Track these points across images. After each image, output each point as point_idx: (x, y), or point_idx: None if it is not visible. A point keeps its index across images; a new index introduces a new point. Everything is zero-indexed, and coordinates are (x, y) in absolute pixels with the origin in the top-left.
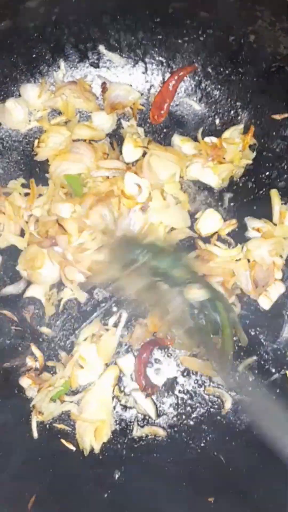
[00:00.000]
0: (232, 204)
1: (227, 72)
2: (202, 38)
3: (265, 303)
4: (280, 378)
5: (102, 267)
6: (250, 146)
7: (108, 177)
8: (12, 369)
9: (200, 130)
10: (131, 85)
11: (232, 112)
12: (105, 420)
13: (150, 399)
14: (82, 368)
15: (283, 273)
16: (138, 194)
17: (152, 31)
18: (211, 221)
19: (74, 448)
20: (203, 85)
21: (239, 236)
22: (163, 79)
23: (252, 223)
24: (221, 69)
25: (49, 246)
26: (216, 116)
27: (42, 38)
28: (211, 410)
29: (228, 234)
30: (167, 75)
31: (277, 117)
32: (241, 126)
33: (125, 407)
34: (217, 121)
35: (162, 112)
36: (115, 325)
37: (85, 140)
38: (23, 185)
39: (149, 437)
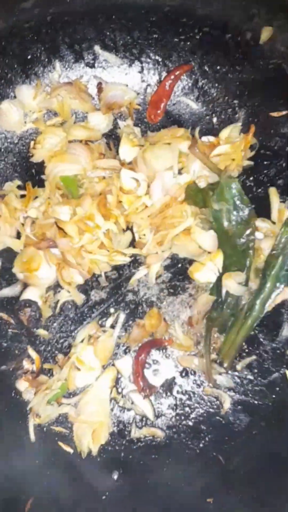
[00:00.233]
0: None
1: (224, 70)
2: (198, 36)
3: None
4: (279, 377)
5: None
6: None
7: (104, 177)
8: (8, 372)
9: (198, 129)
10: (127, 85)
11: (229, 110)
12: (103, 422)
13: (148, 400)
14: (79, 370)
15: None
16: (137, 188)
17: (147, 30)
18: None
19: (71, 451)
20: (200, 83)
21: None
22: (160, 78)
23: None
24: (218, 67)
25: (47, 248)
26: (213, 115)
27: (37, 39)
28: (210, 410)
29: None
30: (164, 74)
31: (275, 114)
32: (239, 124)
33: (123, 409)
34: (215, 119)
35: (159, 111)
36: (113, 326)
37: (81, 141)
38: (19, 187)
39: (148, 438)
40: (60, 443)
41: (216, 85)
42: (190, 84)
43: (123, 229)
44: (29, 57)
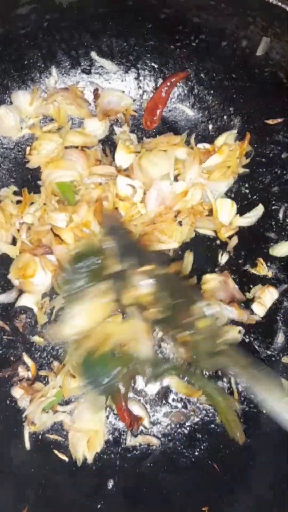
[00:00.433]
0: None
1: (219, 77)
2: (195, 43)
3: (259, 310)
4: None
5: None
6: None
7: (100, 184)
8: (4, 379)
9: (193, 136)
10: (123, 91)
11: (225, 117)
12: (98, 430)
13: (144, 408)
14: (74, 378)
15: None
16: (133, 195)
17: (144, 37)
18: None
19: (67, 459)
20: (195, 90)
21: None
22: (156, 85)
23: None
24: (214, 75)
25: (42, 254)
26: (209, 122)
27: (33, 44)
28: (205, 418)
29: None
30: (160, 81)
31: (270, 122)
32: (235, 132)
33: (118, 417)
34: (210, 126)
35: (155, 118)
36: None
37: (77, 147)
38: (15, 193)
39: (143, 446)
40: (55, 451)
41: (212, 92)
42: (186, 91)
43: None
44: (25, 62)
